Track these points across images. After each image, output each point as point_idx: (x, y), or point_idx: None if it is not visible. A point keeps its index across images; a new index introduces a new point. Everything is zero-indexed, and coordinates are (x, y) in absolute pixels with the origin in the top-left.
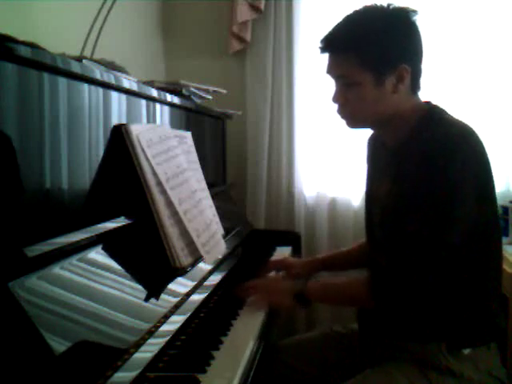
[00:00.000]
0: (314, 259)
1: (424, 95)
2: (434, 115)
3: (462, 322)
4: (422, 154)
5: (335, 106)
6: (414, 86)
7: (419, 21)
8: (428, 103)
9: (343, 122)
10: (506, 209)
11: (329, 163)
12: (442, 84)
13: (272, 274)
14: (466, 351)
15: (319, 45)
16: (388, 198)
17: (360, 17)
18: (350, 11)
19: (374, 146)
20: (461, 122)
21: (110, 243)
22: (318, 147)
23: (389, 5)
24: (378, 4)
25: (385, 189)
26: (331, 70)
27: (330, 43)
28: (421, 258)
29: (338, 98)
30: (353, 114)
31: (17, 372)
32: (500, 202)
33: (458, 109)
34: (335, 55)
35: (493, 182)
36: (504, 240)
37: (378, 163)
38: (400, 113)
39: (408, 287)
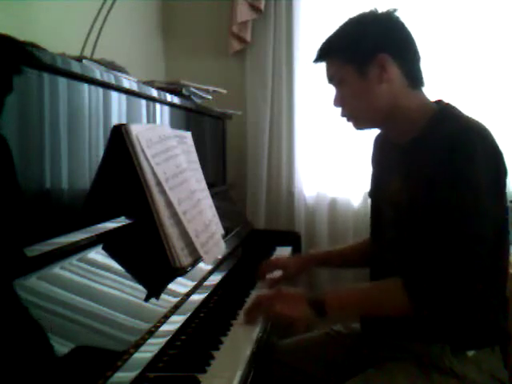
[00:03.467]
0: (308, 255)
1: (429, 93)
2: (447, 112)
3: (467, 324)
4: (440, 149)
5: (339, 111)
6: (413, 81)
7: (407, 16)
8: (439, 102)
9: (350, 124)
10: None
11: (329, 163)
12: (446, 82)
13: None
14: (470, 353)
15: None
16: (400, 195)
17: (343, 24)
18: (349, 11)
19: (382, 145)
20: (473, 118)
21: (110, 243)
22: (318, 147)
23: (375, 10)
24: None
25: (395, 187)
26: (326, 76)
27: (319, 53)
28: (457, 256)
29: (335, 100)
30: (352, 112)
31: (17, 372)
32: None
33: (460, 107)
34: (326, 63)
35: (505, 178)
36: None
37: (387, 162)
38: (401, 108)
39: (452, 288)
